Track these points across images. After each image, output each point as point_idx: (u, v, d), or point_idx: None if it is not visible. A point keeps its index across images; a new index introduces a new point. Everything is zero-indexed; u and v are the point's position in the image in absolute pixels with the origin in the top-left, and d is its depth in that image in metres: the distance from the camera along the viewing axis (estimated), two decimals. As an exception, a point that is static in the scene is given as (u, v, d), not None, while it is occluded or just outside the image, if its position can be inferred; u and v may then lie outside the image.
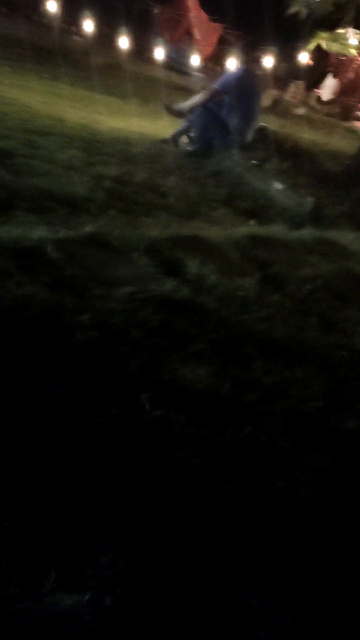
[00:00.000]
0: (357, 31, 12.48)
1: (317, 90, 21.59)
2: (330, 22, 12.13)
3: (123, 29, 15.45)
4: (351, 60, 20.32)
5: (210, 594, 1.37)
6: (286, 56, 17.88)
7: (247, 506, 1.62)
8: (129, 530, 1.45)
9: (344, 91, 21.95)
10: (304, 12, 10.88)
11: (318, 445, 1.96)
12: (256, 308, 2.82)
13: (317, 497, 1.73)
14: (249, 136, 6.89)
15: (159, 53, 14.90)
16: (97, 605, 1.25)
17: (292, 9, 10.87)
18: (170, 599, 1.32)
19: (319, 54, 16.73)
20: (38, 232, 2.88)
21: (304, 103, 19.68)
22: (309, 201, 5.55)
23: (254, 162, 6.29)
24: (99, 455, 1.64)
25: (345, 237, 4.69)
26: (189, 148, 6.78)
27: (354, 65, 21.63)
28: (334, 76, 21.69)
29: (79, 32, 15.43)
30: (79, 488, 1.52)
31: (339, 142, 10.02)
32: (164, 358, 2.17)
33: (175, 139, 6.91)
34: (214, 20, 21.10)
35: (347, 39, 12.43)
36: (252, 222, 4.68)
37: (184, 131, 6.95)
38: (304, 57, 15.55)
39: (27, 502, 1.44)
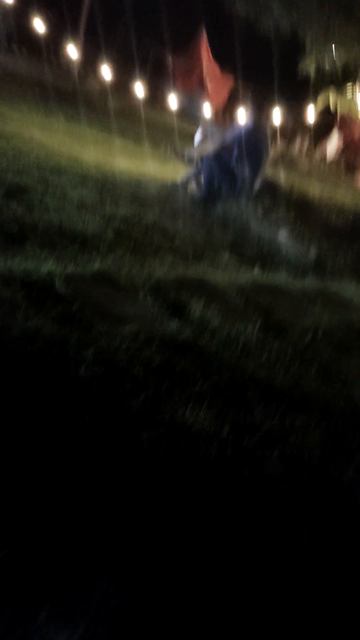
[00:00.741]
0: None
1: (322, 145, 22.19)
2: (337, 81, 12.55)
3: (138, 76, 15.96)
4: (356, 118, 20.93)
5: (206, 635, 1.36)
6: (294, 111, 18.44)
7: (246, 548, 1.62)
8: (124, 566, 1.45)
9: (348, 147, 22.56)
10: (313, 72, 11.27)
11: (316, 492, 1.97)
12: (258, 354, 2.86)
13: (316, 545, 1.72)
14: (256, 186, 7.06)
15: (172, 100, 15.35)
16: (89, 641, 1.25)
17: (303, 70, 11.27)
18: (163, 637, 1.32)
19: (326, 111, 17.26)
20: (48, 267, 2.94)
21: (310, 157, 20.19)
22: (312, 252, 5.65)
23: (260, 211, 6.43)
24: (97, 491, 1.65)
25: (347, 289, 4.76)
26: (197, 193, 6.94)
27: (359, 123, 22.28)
28: (339, 132, 22.33)
29: (95, 75, 15.93)
30: (76, 522, 1.52)
31: (343, 196, 10.23)
32: (165, 397, 2.20)
33: (184, 183, 7.08)
34: (225, 72, 21.84)
35: (353, 98, 12.85)
36: (256, 269, 4.76)
37: (193, 177, 7.12)
38: (310, 113, 16.02)
39: (24, 535, 1.44)
